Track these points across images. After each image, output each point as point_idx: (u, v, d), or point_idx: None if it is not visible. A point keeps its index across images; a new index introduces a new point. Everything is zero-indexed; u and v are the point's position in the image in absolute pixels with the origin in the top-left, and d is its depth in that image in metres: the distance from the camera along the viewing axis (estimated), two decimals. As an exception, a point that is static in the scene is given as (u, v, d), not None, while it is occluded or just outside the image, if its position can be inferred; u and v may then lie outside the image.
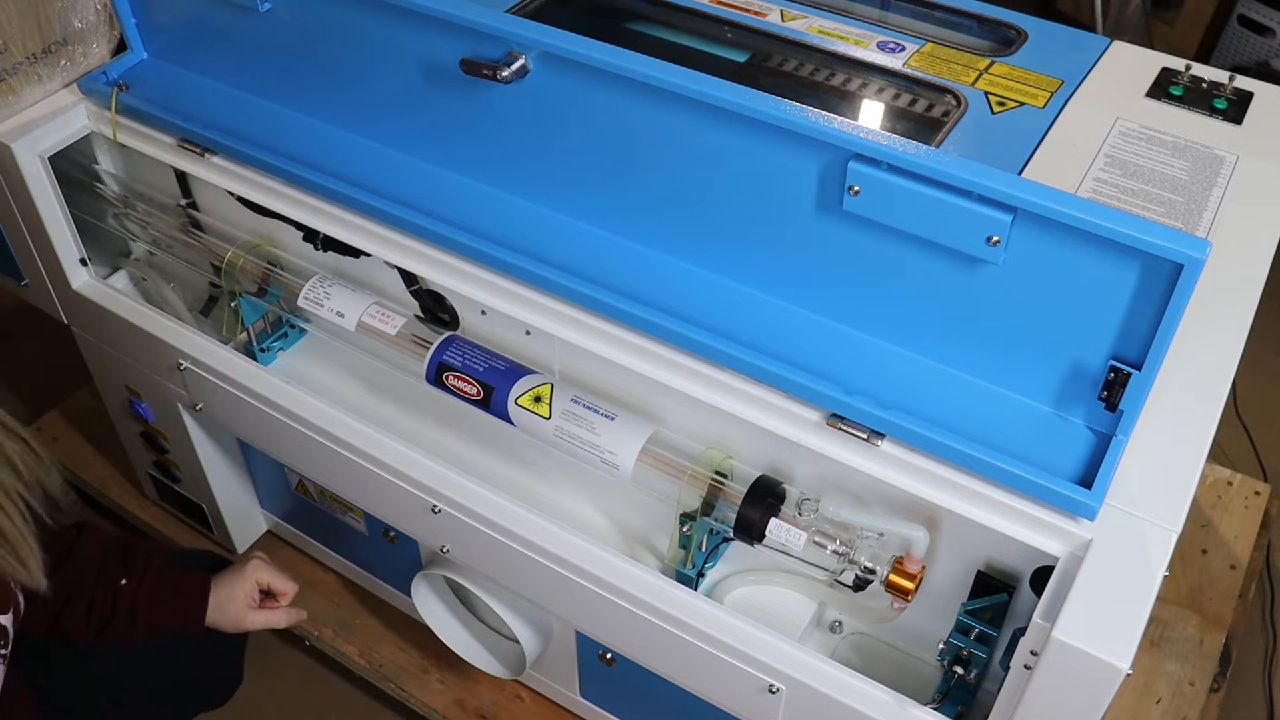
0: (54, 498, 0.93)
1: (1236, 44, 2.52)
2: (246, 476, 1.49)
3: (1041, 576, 0.89)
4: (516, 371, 1.07)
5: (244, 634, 1.30)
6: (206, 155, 1.20)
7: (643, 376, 1.00)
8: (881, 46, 1.13)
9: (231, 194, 1.22)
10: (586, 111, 0.98)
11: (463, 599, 1.33)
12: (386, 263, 1.15)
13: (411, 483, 1.10)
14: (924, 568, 0.93)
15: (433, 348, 1.10)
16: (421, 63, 1.05)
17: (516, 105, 1.01)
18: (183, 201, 1.32)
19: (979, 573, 0.96)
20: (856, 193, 0.86)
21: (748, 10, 1.18)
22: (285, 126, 1.18)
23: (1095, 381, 0.85)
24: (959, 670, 0.96)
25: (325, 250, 1.23)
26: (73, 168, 1.28)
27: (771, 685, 0.96)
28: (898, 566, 0.93)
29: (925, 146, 0.83)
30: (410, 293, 1.18)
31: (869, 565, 0.94)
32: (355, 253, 1.19)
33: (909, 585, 0.92)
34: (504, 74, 0.96)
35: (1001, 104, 1.04)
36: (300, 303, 1.17)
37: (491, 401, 1.06)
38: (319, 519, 1.45)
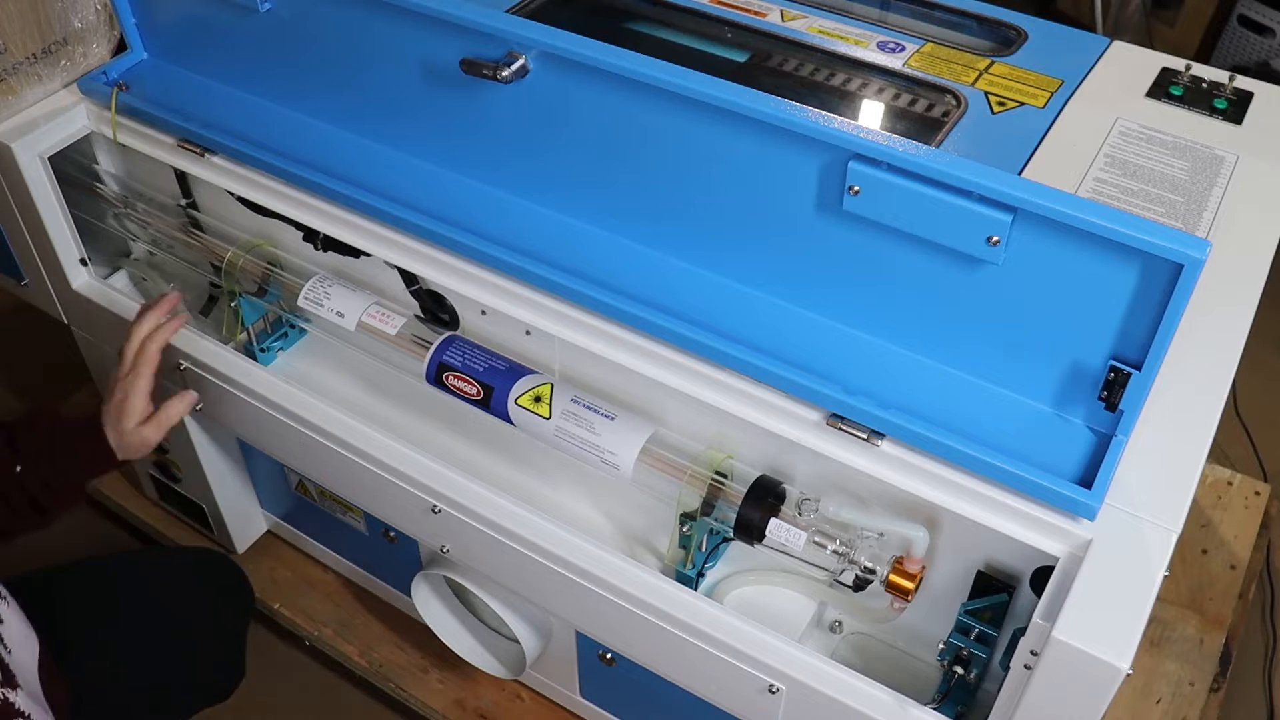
0: None
1: (1236, 44, 2.52)
2: (246, 476, 1.49)
3: (1041, 576, 0.89)
4: (516, 371, 1.07)
5: (244, 625, 1.30)
6: (206, 155, 1.20)
7: (643, 376, 1.00)
8: (881, 46, 1.13)
9: (231, 194, 1.22)
10: (586, 112, 0.98)
11: (463, 599, 1.33)
12: (386, 263, 1.15)
13: (411, 483, 1.10)
14: (924, 568, 0.93)
15: (433, 348, 1.10)
16: (421, 63, 1.05)
17: (516, 105, 1.01)
18: (183, 201, 1.32)
19: (979, 573, 0.96)
20: (857, 193, 0.86)
21: (748, 10, 1.18)
22: (285, 126, 1.18)
23: (1095, 381, 0.85)
24: (959, 670, 0.96)
25: (325, 250, 1.23)
26: (73, 168, 1.28)
27: (771, 685, 0.96)
28: (898, 566, 0.93)
29: (925, 146, 0.83)
30: (410, 293, 1.18)
31: (869, 565, 0.94)
32: (355, 253, 1.19)
33: (909, 585, 0.92)
34: (504, 74, 0.96)
35: (1001, 104, 1.04)
36: (300, 303, 1.17)
37: (491, 401, 1.07)
38: (319, 519, 1.45)
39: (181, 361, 1.22)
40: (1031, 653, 0.82)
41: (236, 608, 1.30)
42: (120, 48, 1.29)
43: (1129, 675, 0.76)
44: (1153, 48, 1.21)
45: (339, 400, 1.17)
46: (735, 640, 0.96)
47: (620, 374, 1.03)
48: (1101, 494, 0.82)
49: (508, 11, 1.06)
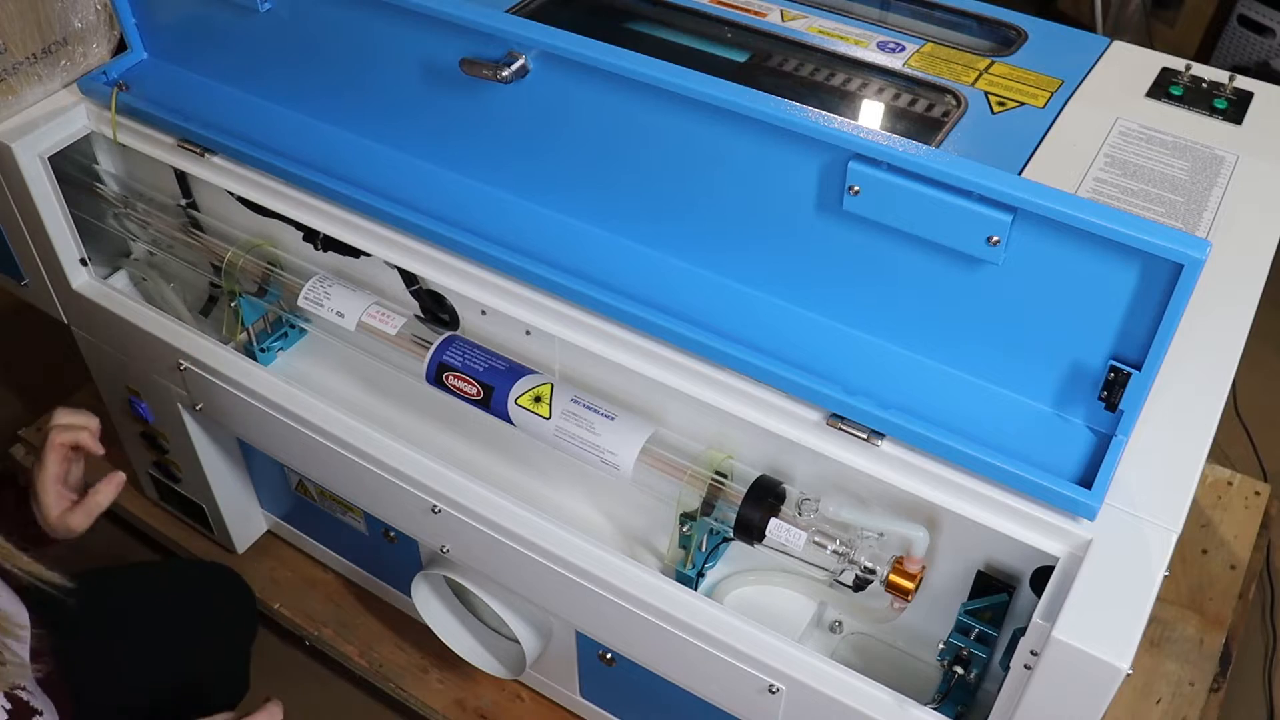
0: None
1: (1236, 44, 2.52)
2: (246, 476, 1.49)
3: (1041, 576, 0.89)
4: (516, 371, 1.07)
5: (249, 641, 1.30)
6: (206, 155, 1.20)
7: (643, 376, 1.00)
8: (881, 46, 1.13)
9: (231, 194, 1.22)
10: (586, 112, 0.98)
11: (463, 599, 1.33)
12: (386, 263, 1.15)
13: (411, 483, 1.10)
14: (924, 568, 0.93)
15: (433, 348, 1.10)
16: (421, 63, 1.05)
17: (516, 105, 1.01)
18: (183, 201, 1.32)
19: (979, 573, 0.96)
20: (857, 193, 0.86)
21: (748, 10, 1.18)
22: (285, 126, 1.18)
23: (1095, 381, 0.85)
24: (959, 670, 0.96)
25: (325, 250, 1.23)
26: (73, 168, 1.28)
27: (771, 685, 0.96)
28: (898, 566, 0.93)
29: (925, 146, 0.83)
30: (410, 293, 1.18)
31: (869, 565, 0.94)
32: (355, 253, 1.19)
33: (909, 585, 0.92)
34: (504, 74, 0.96)
35: (1001, 104, 1.04)
36: (300, 303, 1.17)
37: (491, 401, 1.07)
38: (319, 519, 1.45)
39: (181, 361, 1.22)
40: (1031, 653, 0.82)
41: (242, 623, 1.30)
42: (120, 48, 1.29)
43: (1129, 675, 0.76)
44: (1153, 48, 1.21)
45: (339, 400, 1.17)
46: (735, 640, 0.96)
47: (620, 374, 1.03)
48: (1101, 494, 0.82)
49: (507, 11, 1.06)
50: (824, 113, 0.86)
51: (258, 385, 1.18)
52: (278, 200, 1.17)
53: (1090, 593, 0.80)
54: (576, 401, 1.04)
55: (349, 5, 1.06)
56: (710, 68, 0.95)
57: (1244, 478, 1.61)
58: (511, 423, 1.07)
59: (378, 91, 1.11)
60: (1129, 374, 0.83)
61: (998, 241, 0.81)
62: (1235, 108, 1.10)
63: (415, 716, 1.42)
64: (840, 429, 0.92)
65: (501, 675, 1.31)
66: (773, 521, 0.96)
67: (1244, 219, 0.99)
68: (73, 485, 1.06)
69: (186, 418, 1.36)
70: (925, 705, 0.92)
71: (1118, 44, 1.17)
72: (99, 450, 1.06)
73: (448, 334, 1.12)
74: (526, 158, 1.05)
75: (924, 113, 1.05)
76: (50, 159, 1.22)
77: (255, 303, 1.24)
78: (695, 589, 1.04)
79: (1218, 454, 1.76)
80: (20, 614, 0.96)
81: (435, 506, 1.09)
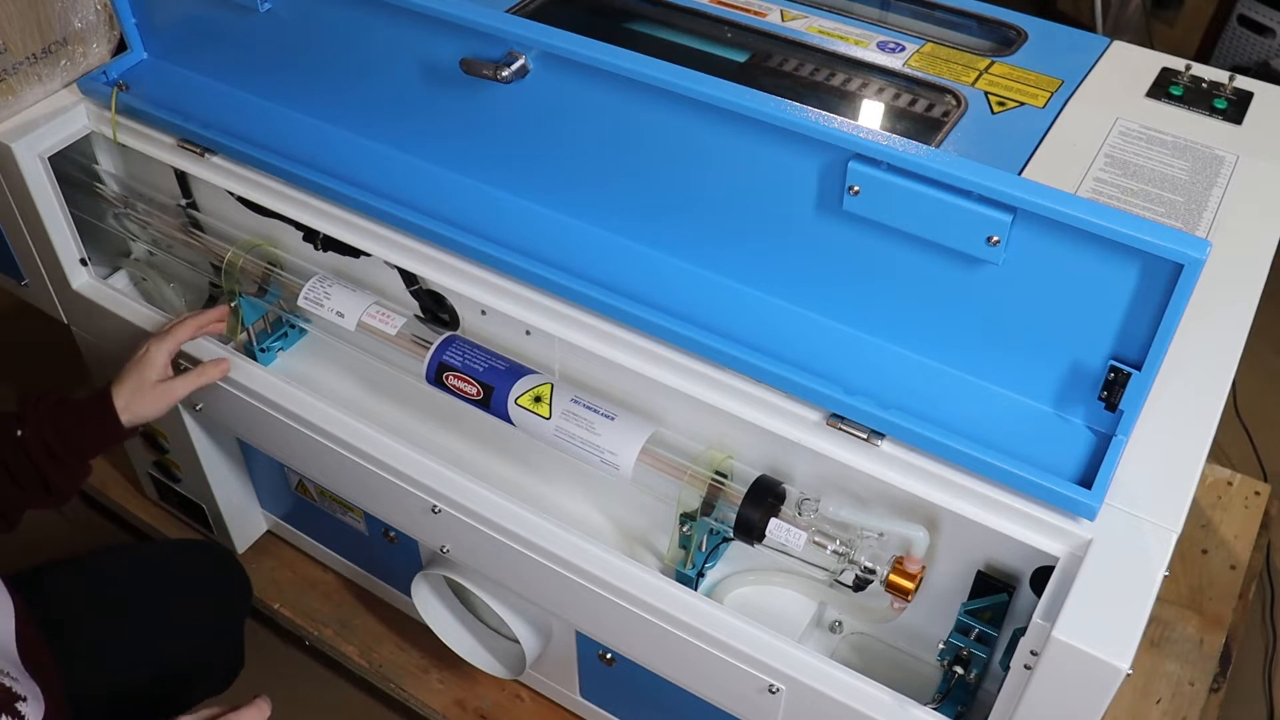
0: None
1: (1236, 44, 2.52)
2: (246, 476, 1.49)
3: (1041, 576, 0.89)
4: (516, 371, 1.07)
5: (241, 615, 1.29)
6: (206, 155, 1.20)
7: (643, 376, 1.00)
8: (881, 46, 1.13)
9: (231, 194, 1.22)
10: (586, 112, 0.98)
11: (463, 599, 1.33)
12: (386, 263, 1.15)
13: (411, 483, 1.10)
14: (924, 568, 0.93)
15: (433, 348, 1.10)
16: (421, 63, 1.05)
17: (516, 105, 1.01)
18: (183, 201, 1.32)
19: (979, 573, 0.96)
20: (856, 193, 0.86)
21: (748, 10, 1.18)
22: (285, 126, 1.18)
23: (1095, 381, 0.85)
24: (959, 670, 0.96)
25: (325, 250, 1.23)
26: (73, 168, 1.28)
27: (771, 685, 0.96)
28: (898, 566, 0.93)
29: (925, 146, 0.83)
30: (410, 293, 1.18)
31: (869, 565, 0.94)
32: (355, 253, 1.19)
33: (909, 585, 0.92)
34: (504, 74, 0.96)
35: (1001, 104, 1.04)
36: (300, 303, 1.17)
37: (491, 401, 1.07)
38: (319, 519, 1.45)
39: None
40: (1031, 653, 0.82)
41: (232, 598, 1.30)
42: (120, 48, 1.29)
43: (1129, 675, 0.76)
44: (1153, 48, 1.21)
45: (339, 400, 1.17)
46: (735, 640, 0.96)
47: (620, 374, 1.03)
48: (1101, 494, 0.82)
49: (508, 12, 1.06)
50: (824, 113, 0.86)
51: (258, 385, 1.18)
52: (278, 200, 1.17)
53: (1090, 593, 0.80)
54: (576, 401, 1.04)
55: (349, 5, 1.06)
56: (710, 68, 0.95)
57: (1244, 478, 1.61)
58: (511, 423, 1.07)
59: (378, 91, 1.11)
60: (1129, 374, 0.83)
61: (998, 241, 0.81)
62: (1235, 108, 1.10)
63: (415, 716, 1.42)
64: (840, 429, 0.92)
65: (501, 675, 1.31)
66: (773, 521, 0.96)
67: (1244, 219, 0.99)
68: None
69: (186, 418, 1.36)
70: (925, 705, 0.92)
71: (1118, 44, 1.17)
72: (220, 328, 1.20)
73: (448, 334, 1.12)
74: (527, 158, 1.05)
75: (924, 113, 1.05)
76: (50, 159, 1.22)
77: (255, 303, 1.24)
78: (695, 589, 1.04)
79: (1218, 454, 1.76)
80: (4, 601, 0.96)
81: (435, 506, 1.09)
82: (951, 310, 0.89)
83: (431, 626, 1.30)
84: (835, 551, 0.94)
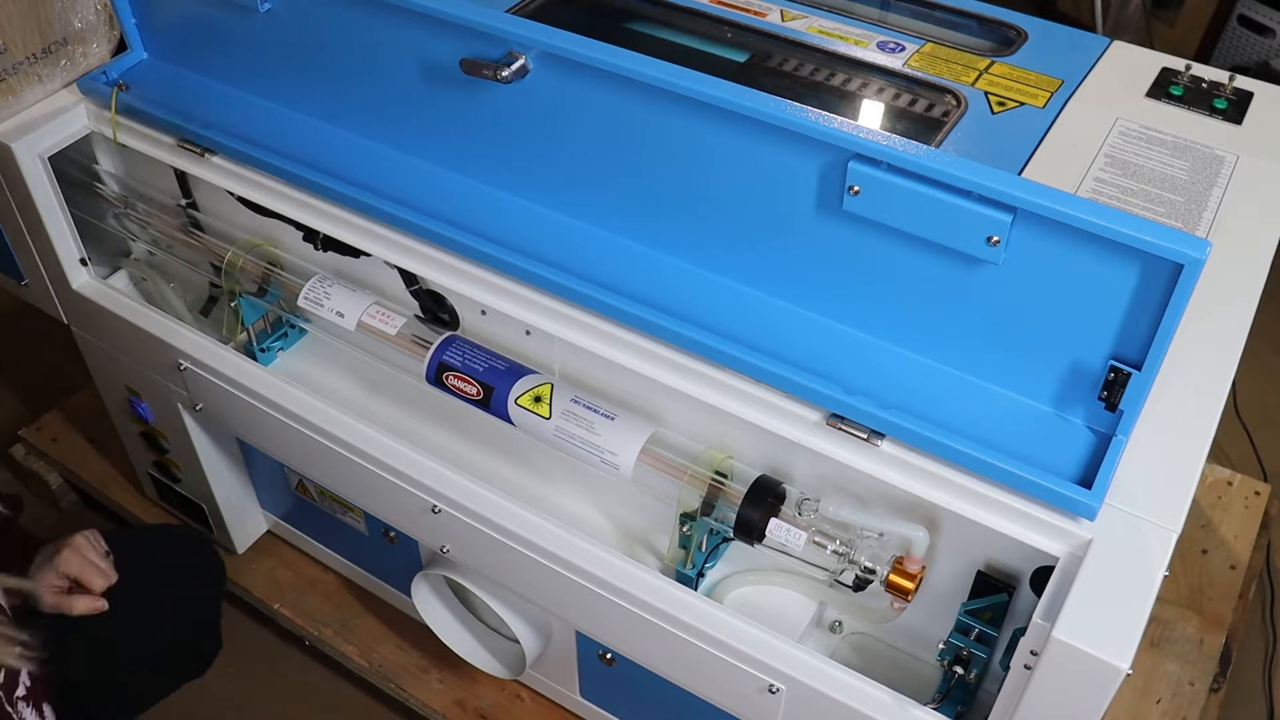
0: None
1: (1236, 44, 2.52)
2: (246, 476, 1.49)
3: (1041, 576, 0.89)
4: (516, 371, 1.07)
5: (216, 597, 1.29)
6: (206, 155, 1.20)
7: (643, 376, 1.00)
8: (881, 46, 1.13)
9: (231, 194, 1.22)
10: (586, 112, 0.98)
11: (463, 599, 1.33)
12: (386, 263, 1.15)
13: (411, 483, 1.10)
14: (924, 568, 0.93)
15: (433, 348, 1.10)
16: (421, 63, 1.05)
17: (517, 105, 1.01)
18: (183, 201, 1.32)
19: (979, 573, 0.96)
20: (857, 193, 0.86)
21: (748, 10, 1.18)
22: (285, 126, 1.18)
23: (1095, 381, 0.85)
24: (959, 670, 0.96)
25: (325, 250, 1.23)
26: (73, 168, 1.28)
27: (771, 685, 0.96)
28: (898, 566, 0.93)
29: (925, 146, 0.83)
30: (410, 293, 1.18)
31: (869, 565, 0.94)
32: (355, 253, 1.19)
33: (909, 585, 0.92)
34: (504, 74, 0.96)
35: (1001, 104, 1.04)
36: (300, 303, 1.17)
37: (491, 401, 1.07)
38: (319, 519, 1.45)
39: (182, 361, 1.22)
40: (1031, 653, 0.82)
41: (207, 580, 1.28)
42: (120, 48, 1.29)
43: (1129, 675, 0.76)
44: (1153, 48, 1.21)
45: (339, 400, 1.17)
46: (735, 640, 0.96)
47: (620, 374, 1.03)
48: (1101, 494, 0.82)
49: (508, 12, 1.06)
50: (824, 113, 0.86)
51: (258, 385, 1.18)
52: (278, 200, 1.17)
53: (1090, 593, 0.80)
54: (576, 401, 1.04)
55: (349, 5, 1.06)
56: (710, 68, 0.95)
57: (1244, 478, 1.62)
58: (511, 423, 1.07)
59: (378, 91, 1.11)
60: (1129, 374, 0.83)
61: (998, 241, 0.81)
62: (1235, 108, 1.10)
63: (415, 716, 1.42)
64: (840, 429, 0.92)
65: (501, 675, 1.31)
66: (773, 521, 0.96)
67: (1244, 219, 0.99)
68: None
69: (186, 418, 1.36)
70: (925, 705, 0.92)
71: (1118, 44, 1.17)
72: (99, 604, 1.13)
73: (448, 334, 1.12)
74: (527, 158, 1.05)
75: (924, 113, 1.05)
76: (50, 159, 1.22)
77: (255, 303, 1.25)
78: (695, 589, 1.04)
79: (1218, 454, 1.76)
80: None
81: (435, 506, 1.09)
82: (951, 310, 0.89)
83: (431, 626, 1.30)
84: (835, 551, 0.94)
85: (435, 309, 1.17)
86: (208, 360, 1.20)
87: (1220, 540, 1.53)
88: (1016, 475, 0.85)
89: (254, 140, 1.17)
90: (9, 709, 0.94)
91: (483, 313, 1.12)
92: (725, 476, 1.00)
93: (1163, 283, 0.78)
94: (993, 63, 1.10)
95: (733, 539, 1.02)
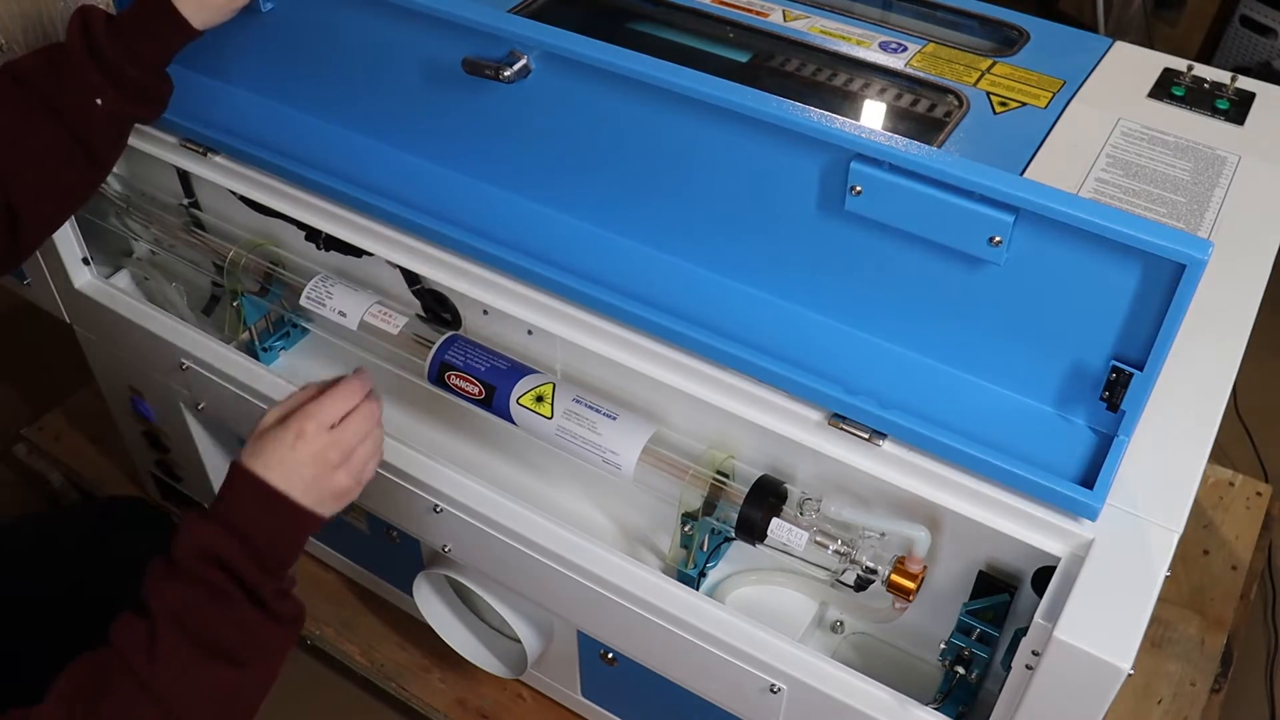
0: None
1: (1238, 44, 2.52)
2: (248, 476, 1.49)
3: (1043, 576, 0.89)
4: (518, 371, 1.07)
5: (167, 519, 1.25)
6: (209, 154, 1.20)
7: (645, 376, 1.00)
8: (883, 47, 1.13)
9: (234, 193, 1.22)
10: (589, 113, 0.98)
11: (464, 598, 1.33)
12: (389, 262, 1.15)
13: (413, 482, 1.10)
14: (925, 568, 0.93)
15: (434, 347, 1.10)
16: (423, 62, 1.05)
17: (519, 105, 1.01)
18: (185, 201, 1.32)
19: (980, 573, 0.96)
20: (859, 193, 0.86)
21: (750, 10, 1.18)
22: (288, 126, 1.18)
23: (1097, 382, 0.85)
24: (960, 670, 0.96)
25: (327, 250, 1.23)
26: (75, 167, 1.28)
27: (773, 685, 0.96)
28: (899, 566, 0.93)
29: (927, 147, 0.83)
30: (412, 292, 1.18)
31: (870, 565, 0.94)
32: (357, 252, 1.19)
33: (910, 585, 0.92)
34: (506, 74, 0.96)
35: (1003, 104, 1.04)
36: (302, 302, 1.17)
37: (493, 401, 1.07)
38: (321, 518, 1.45)
39: (184, 361, 1.22)
40: (1033, 653, 0.82)
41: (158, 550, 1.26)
42: (123, 47, 1.29)
43: (1130, 675, 0.77)
44: (1154, 48, 1.22)
45: (341, 400, 1.17)
46: (737, 640, 0.96)
47: (622, 373, 1.03)
48: (1103, 494, 0.82)
49: (510, 11, 1.06)
50: (826, 113, 0.86)
51: (260, 385, 1.18)
52: (280, 200, 1.17)
53: (1092, 593, 0.80)
54: (578, 401, 1.04)
55: (350, 5, 1.06)
56: (712, 68, 0.95)
57: (1245, 478, 1.62)
58: (513, 422, 1.07)
59: (380, 91, 1.11)
60: (1131, 374, 0.83)
61: (1000, 242, 0.81)
62: (1237, 108, 1.10)
63: (417, 716, 1.42)
64: (842, 429, 0.92)
65: (503, 675, 1.31)
66: (774, 521, 0.96)
67: (1246, 219, 0.99)
68: None
69: (189, 417, 1.36)
70: (927, 705, 0.92)
71: (1119, 44, 1.17)
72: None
73: (449, 333, 1.12)
74: (529, 158, 1.05)
75: (926, 113, 1.05)
76: (53, 158, 1.22)
77: (257, 302, 1.25)
78: (697, 589, 1.04)
79: (1219, 454, 1.76)
80: None
81: (437, 506, 1.10)
82: (953, 311, 0.89)
83: (433, 626, 1.30)
84: (837, 551, 0.95)
85: (437, 308, 1.17)
86: (210, 359, 1.21)
87: (1222, 541, 1.53)
88: (1018, 475, 0.85)
89: (256, 139, 1.17)
90: None
91: (485, 312, 1.12)
92: (727, 476, 1.00)
93: (1164, 283, 0.78)
94: (995, 63, 1.10)
95: (734, 539, 1.02)
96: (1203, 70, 1.15)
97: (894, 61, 1.10)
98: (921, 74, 1.08)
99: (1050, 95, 1.06)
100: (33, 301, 1.41)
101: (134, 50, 1.04)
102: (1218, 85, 1.13)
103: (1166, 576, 0.81)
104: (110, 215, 1.33)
